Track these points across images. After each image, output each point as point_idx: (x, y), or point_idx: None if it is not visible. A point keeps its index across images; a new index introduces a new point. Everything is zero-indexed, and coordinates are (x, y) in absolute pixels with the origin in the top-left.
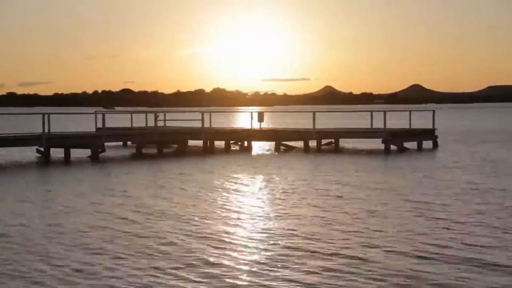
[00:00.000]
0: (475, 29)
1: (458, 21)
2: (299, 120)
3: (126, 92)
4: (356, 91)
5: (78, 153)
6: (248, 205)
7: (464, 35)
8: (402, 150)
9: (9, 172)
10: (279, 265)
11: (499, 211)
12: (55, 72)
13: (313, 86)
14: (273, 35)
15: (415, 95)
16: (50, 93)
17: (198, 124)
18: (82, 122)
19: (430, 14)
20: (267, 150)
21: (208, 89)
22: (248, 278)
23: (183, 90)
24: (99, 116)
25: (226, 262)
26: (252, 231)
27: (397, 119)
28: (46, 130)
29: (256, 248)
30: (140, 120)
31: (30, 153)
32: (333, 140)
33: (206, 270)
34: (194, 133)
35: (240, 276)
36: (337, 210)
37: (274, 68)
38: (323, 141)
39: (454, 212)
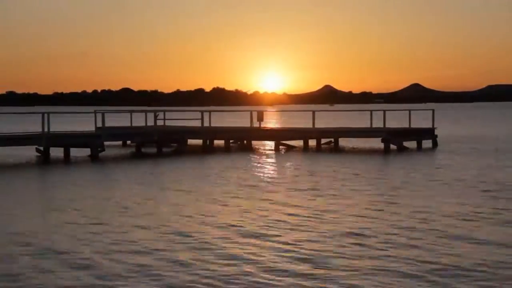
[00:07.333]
0: (475, 28)
1: (457, 20)
2: (299, 119)
3: (125, 91)
4: (356, 90)
5: (77, 153)
6: (248, 208)
7: (464, 34)
8: (401, 150)
9: (8, 172)
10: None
11: None
12: None
13: (313, 85)
14: (273, 35)
15: (415, 94)
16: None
17: (197, 123)
18: (82, 121)
19: (429, 13)
20: (267, 150)
21: (207, 89)
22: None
23: (182, 89)
24: (99, 115)
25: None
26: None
27: (397, 119)
28: (46, 130)
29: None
30: (139, 119)
31: (29, 153)
32: (332, 140)
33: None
34: (193, 132)
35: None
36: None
37: (273, 68)
38: (323, 141)
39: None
